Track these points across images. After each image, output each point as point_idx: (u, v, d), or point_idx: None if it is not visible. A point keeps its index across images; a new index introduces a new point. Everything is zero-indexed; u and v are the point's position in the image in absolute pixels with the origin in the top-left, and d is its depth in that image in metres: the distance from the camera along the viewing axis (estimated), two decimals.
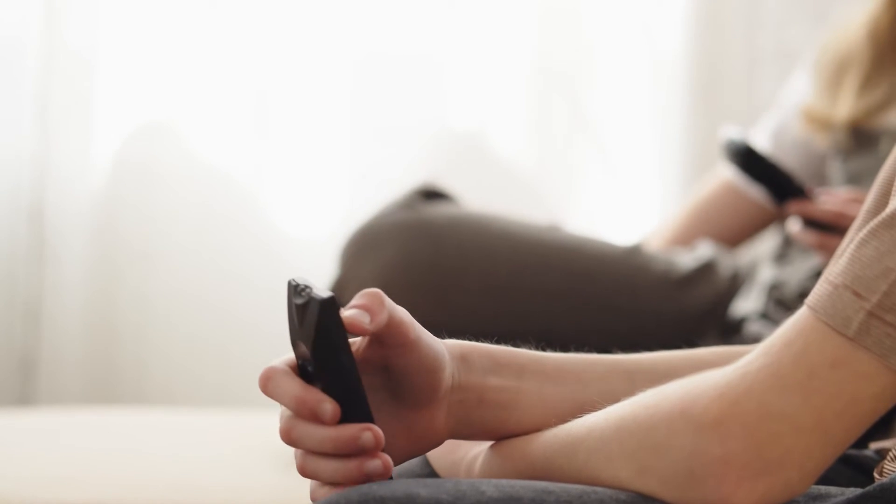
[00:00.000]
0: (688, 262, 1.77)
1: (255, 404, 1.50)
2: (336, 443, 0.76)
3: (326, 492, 0.78)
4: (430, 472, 0.91)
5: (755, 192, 1.88)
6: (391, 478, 0.78)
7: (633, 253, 1.74)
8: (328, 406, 0.76)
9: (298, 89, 2.43)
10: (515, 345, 0.87)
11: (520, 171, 2.50)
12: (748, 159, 1.59)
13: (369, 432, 0.76)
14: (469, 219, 1.69)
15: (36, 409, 2.30)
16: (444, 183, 1.79)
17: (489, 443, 0.87)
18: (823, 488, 0.78)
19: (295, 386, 0.77)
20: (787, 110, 1.90)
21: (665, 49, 2.49)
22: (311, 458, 0.78)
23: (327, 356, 0.76)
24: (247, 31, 2.42)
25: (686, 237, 1.93)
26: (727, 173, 1.92)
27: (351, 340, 0.79)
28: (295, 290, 0.77)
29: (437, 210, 1.68)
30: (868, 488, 0.76)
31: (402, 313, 0.80)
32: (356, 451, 0.77)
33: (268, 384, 0.78)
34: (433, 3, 2.45)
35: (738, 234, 1.93)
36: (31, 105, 2.37)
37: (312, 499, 0.80)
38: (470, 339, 0.86)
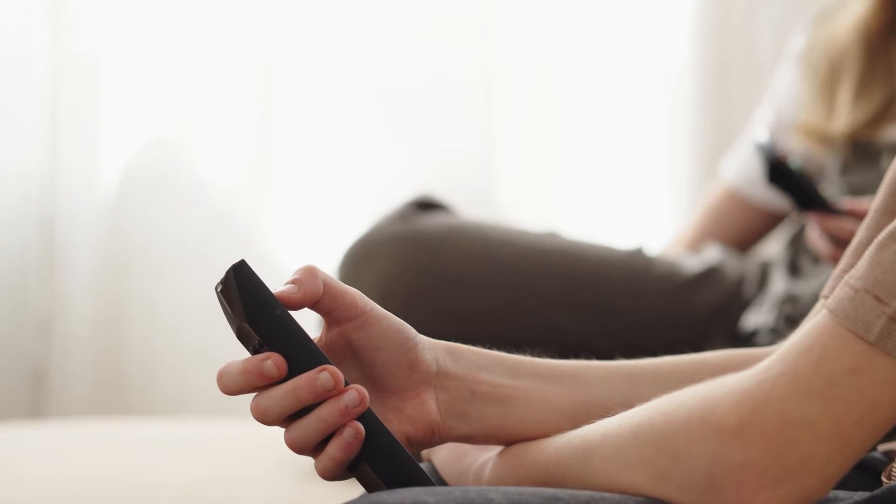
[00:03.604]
0: (693, 265, 1.76)
1: None
2: (297, 392, 0.78)
3: (328, 461, 0.79)
4: (439, 481, 0.92)
5: (762, 198, 1.88)
6: (370, 411, 0.79)
7: (635, 256, 1.74)
8: (269, 362, 0.77)
9: (308, 101, 2.43)
10: (513, 352, 0.88)
11: (527, 179, 2.49)
12: (777, 170, 1.58)
13: (324, 371, 0.78)
14: (467, 227, 1.69)
15: (47, 422, 2.30)
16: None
17: (498, 449, 0.87)
18: (831, 492, 0.77)
19: (237, 366, 0.78)
20: (778, 107, 1.89)
21: (672, 56, 2.49)
22: (294, 428, 0.79)
23: (260, 315, 0.78)
24: (255, 41, 2.42)
25: (697, 247, 1.93)
26: (728, 180, 1.93)
27: (315, 337, 0.81)
28: (216, 289, 0.79)
29: (434, 220, 1.69)
30: (876, 492, 0.76)
31: (348, 287, 0.82)
32: (319, 395, 0.78)
33: (222, 380, 0.79)
34: (436, 27, 2.46)
35: (745, 240, 1.95)
36: (39, 116, 2.37)
37: (322, 475, 0.80)
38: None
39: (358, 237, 1.68)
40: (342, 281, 1.70)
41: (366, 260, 1.65)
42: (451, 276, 1.65)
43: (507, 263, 1.68)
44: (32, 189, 2.37)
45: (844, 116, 1.73)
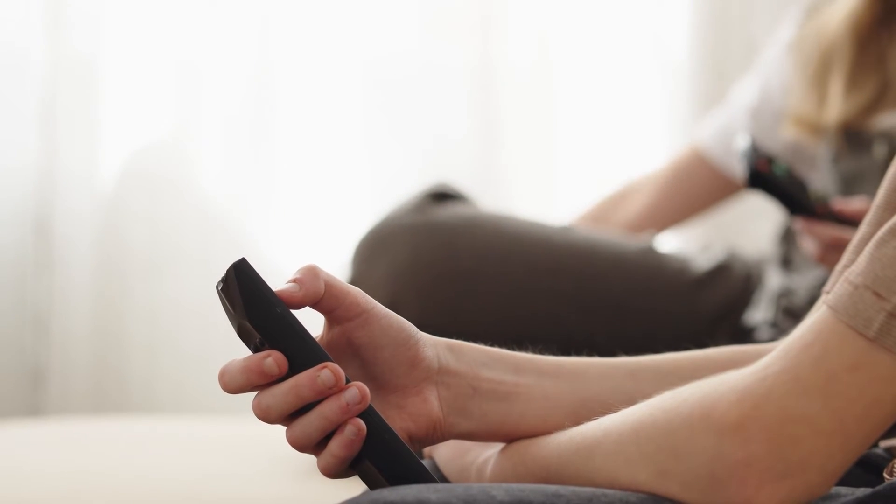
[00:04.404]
0: (702, 262, 1.76)
1: None
2: (298, 390, 0.78)
3: (330, 459, 0.79)
4: (441, 478, 0.92)
5: (732, 166, 1.89)
6: (371, 409, 0.79)
7: (647, 253, 1.73)
8: (270, 359, 0.78)
9: (308, 100, 2.43)
10: (514, 349, 0.88)
11: (527, 174, 2.50)
12: (757, 177, 1.58)
13: (325, 369, 0.78)
14: (481, 220, 1.68)
15: (45, 420, 2.30)
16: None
17: (499, 446, 0.88)
18: (833, 488, 0.77)
19: (240, 361, 0.79)
20: (763, 84, 1.89)
21: (671, 54, 2.50)
22: (296, 425, 0.79)
23: (261, 313, 0.78)
24: (255, 39, 2.42)
25: (660, 208, 1.95)
26: (701, 143, 1.94)
27: (315, 335, 0.81)
28: (217, 288, 0.80)
29: (449, 212, 1.67)
30: (878, 487, 0.76)
31: (350, 286, 0.82)
32: (321, 392, 0.78)
33: (223, 378, 0.79)
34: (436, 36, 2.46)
35: (707, 205, 1.97)
36: (37, 114, 2.36)
37: (325, 472, 0.80)
38: (478, 343, 0.87)
39: (373, 226, 1.67)
40: (355, 271, 1.70)
41: (380, 251, 1.63)
42: (464, 272, 1.64)
43: (520, 259, 1.67)
44: (30, 187, 2.37)
45: (836, 106, 1.74)
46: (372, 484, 0.80)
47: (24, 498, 1.43)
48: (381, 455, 0.79)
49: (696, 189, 1.95)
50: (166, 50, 2.40)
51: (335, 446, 0.78)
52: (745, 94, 1.93)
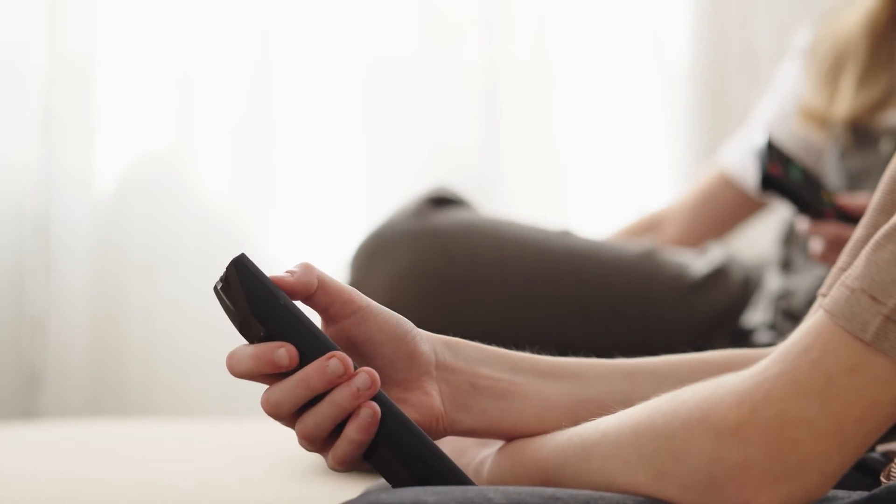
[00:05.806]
0: (700, 267, 1.77)
1: (263, 415, 1.50)
2: (308, 381, 0.78)
3: (346, 446, 0.79)
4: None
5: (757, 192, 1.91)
6: (382, 394, 0.79)
7: (646, 258, 1.74)
8: (282, 350, 0.78)
9: (307, 101, 2.43)
10: (511, 349, 0.88)
11: (527, 177, 2.50)
12: (767, 182, 1.58)
13: (334, 358, 0.78)
14: (480, 226, 1.68)
15: (41, 422, 2.29)
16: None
17: (497, 446, 0.88)
18: (830, 491, 0.77)
19: (248, 349, 0.79)
20: (782, 99, 1.91)
21: (672, 56, 2.50)
22: (307, 417, 0.79)
23: (265, 306, 0.78)
24: (254, 40, 2.42)
25: (693, 234, 1.96)
26: (726, 165, 1.96)
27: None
28: (215, 288, 0.80)
29: (448, 218, 1.67)
30: (874, 491, 0.76)
31: (344, 284, 0.83)
32: (330, 381, 0.78)
33: (231, 360, 0.79)
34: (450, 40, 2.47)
35: (735, 224, 1.99)
36: (35, 115, 2.36)
37: (340, 463, 0.80)
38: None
39: (372, 232, 1.66)
40: (353, 276, 1.70)
41: (379, 258, 1.63)
42: (462, 278, 1.64)
43: (519, 265, 1.67)
44: (28, 189, 2.37)
45: (847, 102, 1.76)
46: (387, 471, 0.80)
47: (20, 500, 1.42)
48: (396, 438, 0.79)
49: (725, 211, 1.97)
50: (165, 52, 2.40)
51: (352, 431, 0.78)
52: (762, 110, 1.95)
